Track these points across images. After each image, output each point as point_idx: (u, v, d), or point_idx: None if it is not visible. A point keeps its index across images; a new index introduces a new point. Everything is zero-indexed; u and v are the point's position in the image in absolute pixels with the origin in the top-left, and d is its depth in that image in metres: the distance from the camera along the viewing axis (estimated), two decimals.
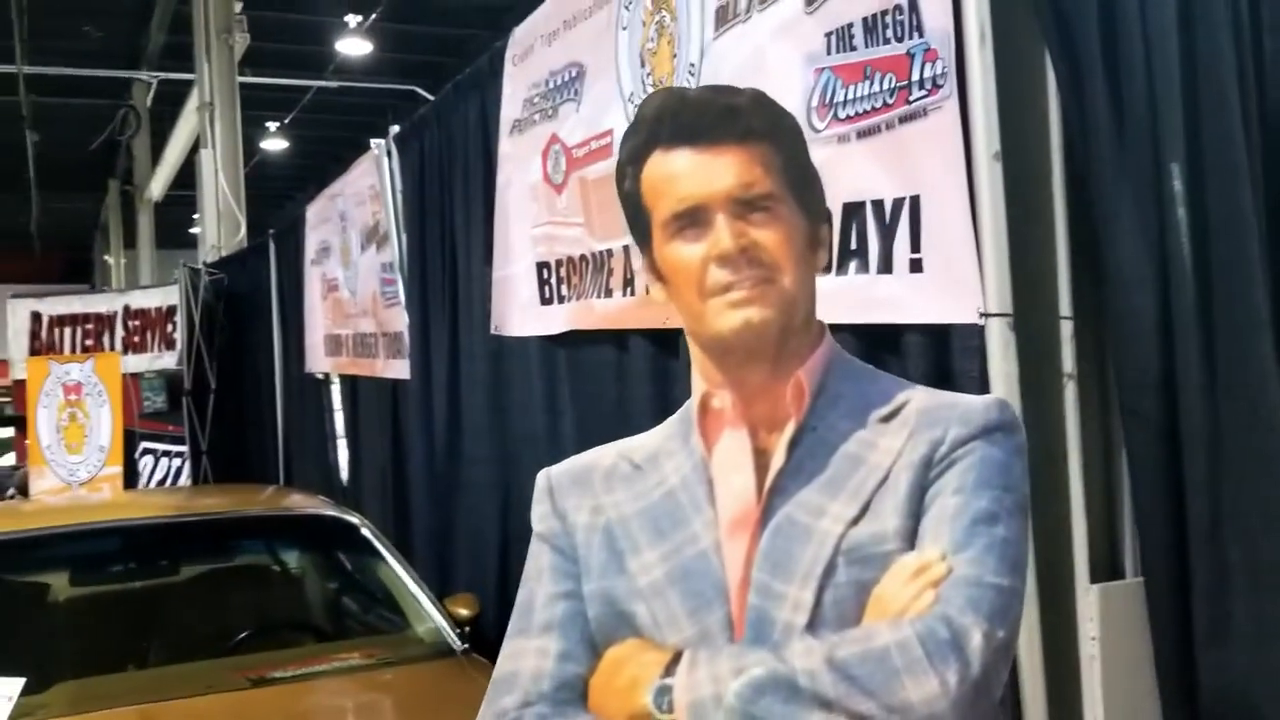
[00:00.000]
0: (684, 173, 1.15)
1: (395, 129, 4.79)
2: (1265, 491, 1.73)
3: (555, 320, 3.29)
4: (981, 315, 1.82)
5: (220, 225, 10.02)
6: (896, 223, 1.95)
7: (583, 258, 3.12)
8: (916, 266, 1.92)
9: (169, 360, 8.54)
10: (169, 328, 9.17)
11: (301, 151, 19.98)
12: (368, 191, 5.16)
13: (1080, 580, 1.86)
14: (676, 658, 1.08)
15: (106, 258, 24.83)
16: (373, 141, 4.84)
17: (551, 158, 3.24)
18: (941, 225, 1.87)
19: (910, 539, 1.11)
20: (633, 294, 2.84)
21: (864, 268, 2.02)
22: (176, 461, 8.84)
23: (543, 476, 1.27)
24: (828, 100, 2.09)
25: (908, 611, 1.06)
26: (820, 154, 2.03)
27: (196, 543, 3.66)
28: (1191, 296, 1.77)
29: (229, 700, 2.79)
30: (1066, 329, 1.87)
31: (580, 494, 1.23)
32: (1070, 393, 1.86)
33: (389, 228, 4.82)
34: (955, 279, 1.86)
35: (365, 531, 3.50)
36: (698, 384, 1.20)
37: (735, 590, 1.12)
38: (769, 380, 1.16)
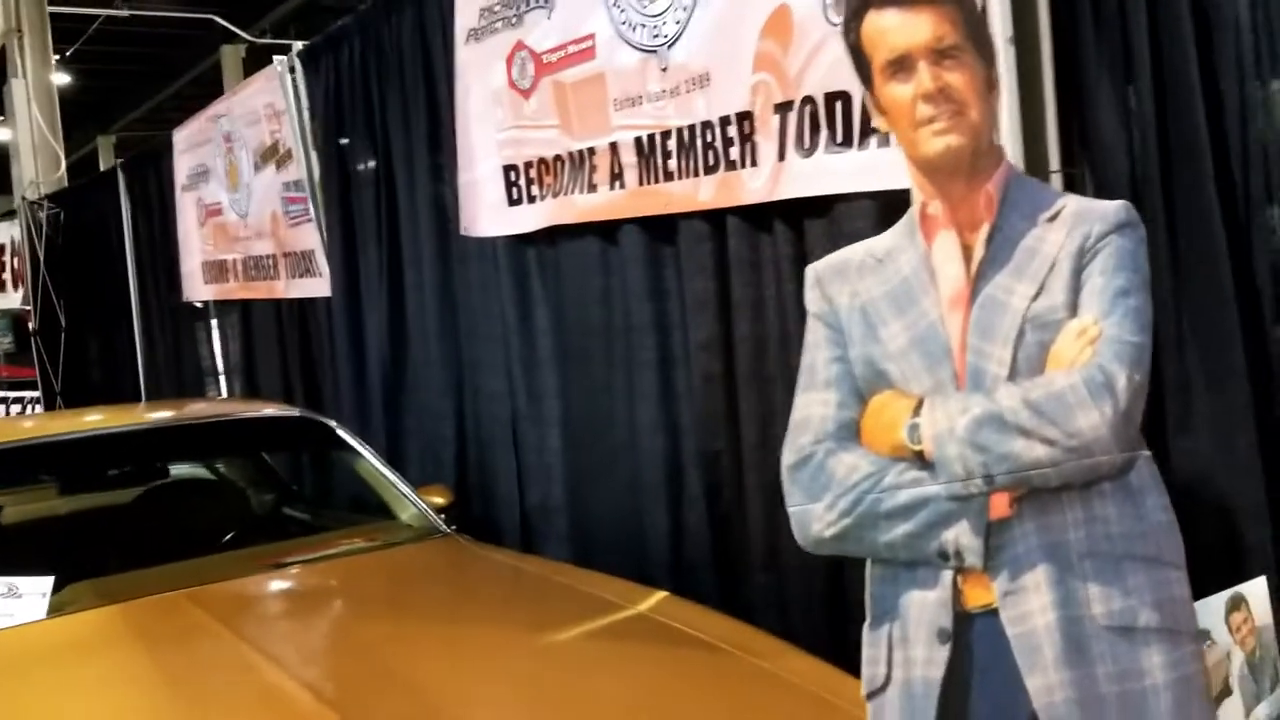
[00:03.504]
0: (893, 28, 1.49)
1: (299, 45, 4.80)
2: (1216, 310, 2.19)
3: (527, 219, 3.50)
4: None
5: (38, 159, 9.54)
6: None
7: (557, 158, 3.34)
8: None
9: (12, 300, 8.17)
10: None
11: (87, 87, 18.87)
12: (264, 110, 5.16)
13: None
14: (920, 403, 1.44)
15: None
16: (275, 58, 4.84)
17: (517, 64, 3.44)
18: None
19: (1073, 309, 1.48)
20: (623, 187, 3.10)
21: (885, 141, 2.36)
22: (15, 408, 8.53)
23: (810, 271, 1.62)
24: None
25: (1075, 363, 1.44)
26: (841, 46, 2.36)
27: (182, 448, 3.71)
28: (1155, 157, 2.22)
29: (265, 579, 2.94)
30: (1057, 180, 2.29)
31: (840, 282, 1.58)
32: None
33: (294, 145, 4.86)
34: None
35: (341, 432, 3.65)
36: (916, 195, 1.55)
37: (957, 352, 1.48)
38: (966, 191, 1.52)
